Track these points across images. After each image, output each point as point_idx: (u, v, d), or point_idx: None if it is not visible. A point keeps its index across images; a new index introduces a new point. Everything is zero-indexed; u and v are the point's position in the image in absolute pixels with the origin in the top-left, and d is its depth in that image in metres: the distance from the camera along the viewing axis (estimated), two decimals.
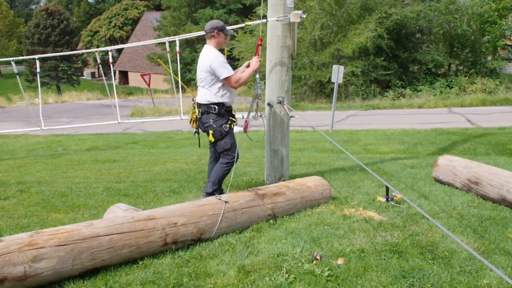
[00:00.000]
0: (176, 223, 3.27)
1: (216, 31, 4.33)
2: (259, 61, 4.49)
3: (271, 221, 3.88)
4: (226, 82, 4.32)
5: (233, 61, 24.87)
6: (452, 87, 19.25)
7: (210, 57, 4.30)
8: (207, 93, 4.33)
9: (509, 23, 22.29)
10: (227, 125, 4.34)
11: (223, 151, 4.41)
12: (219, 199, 3.65)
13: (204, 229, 3.42)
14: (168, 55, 8.41)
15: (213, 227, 3.46)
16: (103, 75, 11.66)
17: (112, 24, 47.42)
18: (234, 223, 3.62)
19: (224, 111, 4.36)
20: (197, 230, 3.38)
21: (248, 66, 4.52)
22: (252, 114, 4.79)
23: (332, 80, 12.32)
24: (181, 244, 3.34)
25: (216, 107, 4.30)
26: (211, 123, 4.32)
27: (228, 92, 4.38)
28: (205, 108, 4.34)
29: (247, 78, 4.39)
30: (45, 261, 2.68)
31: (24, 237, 2.75)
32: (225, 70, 4.26)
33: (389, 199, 4.29)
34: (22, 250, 2.63)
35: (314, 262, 3.03)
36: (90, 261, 2.87)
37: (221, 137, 4.34)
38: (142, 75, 23.03)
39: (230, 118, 4.40)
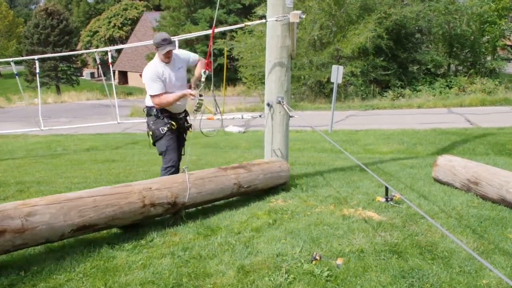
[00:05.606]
0: (150, 188, 3.71)
1: (155, 46, 4.30)
2: (191, 94, 4.29)
3: (270, 221, 3.88)
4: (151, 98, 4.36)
5: (233, 61, 24.88)
6: (451, 87, 19.28)
7: (144, 69, 4.41)
8: (148, 96, 4.44)
9: (509, 23, 22.34)
10: (165, 128, 4.40)
11: (160, 154, 4.53)
12: (184, 170, 4.01)
13: (177, 193, 3.84)
14: None
15: (185, 192, 3.90)
16: (102, 75, 11.64)
17: (112, 24, 47.41)
18: (204, 190, 4.06)
19: (166, 115, 4.43)
20: (171, 194, 3.79)
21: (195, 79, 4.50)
22: (252, 114, 4.81)
23: (332, 80, 12.33)
24: (160, 208, 3.71)
25: (155, 109, 4.40)
26: (151, 124, 4.46)
27: None
28: (147, 110, 4.49)
29: (167, 102, 4.32)
30: (39, 216, 3.04)
31: (17, 202, 3.15)
32: (150, 89, 4.31)
33: (388, 199, 4.28)
34: (17, 208, 3.02)
35: (314, 262, 3.03)
36: (79, 218, 3.23)
37: (157, 138, 4.43)
38: (141, 75, 23.03)
39: (170, 122, 4.43)
